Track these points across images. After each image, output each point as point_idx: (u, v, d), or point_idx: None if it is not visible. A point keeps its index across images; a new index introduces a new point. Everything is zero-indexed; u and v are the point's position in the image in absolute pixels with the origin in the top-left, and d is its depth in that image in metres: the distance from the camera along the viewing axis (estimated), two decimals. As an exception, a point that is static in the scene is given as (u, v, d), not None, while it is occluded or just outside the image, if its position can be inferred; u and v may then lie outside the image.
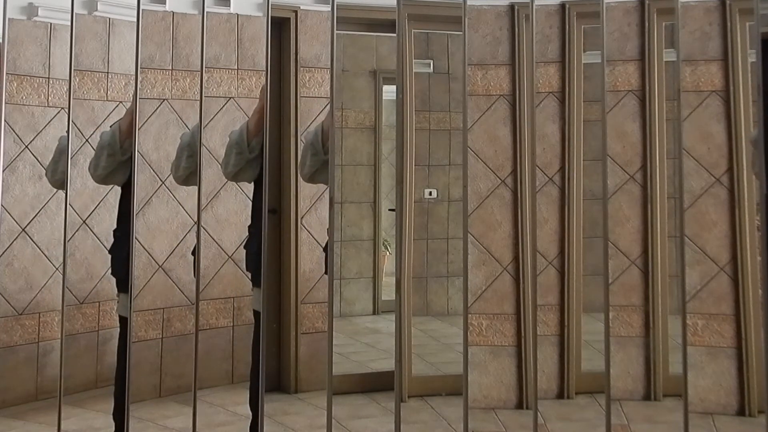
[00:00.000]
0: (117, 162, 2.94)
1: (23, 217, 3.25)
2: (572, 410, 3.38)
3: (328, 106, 3.00)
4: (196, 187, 2.95)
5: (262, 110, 2.89)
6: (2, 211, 3.15)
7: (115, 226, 3.03)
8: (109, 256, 3.02)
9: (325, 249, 3.18)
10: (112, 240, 3.02)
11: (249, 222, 2.99)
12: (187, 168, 3.00)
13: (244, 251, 3.06)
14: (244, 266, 3.06)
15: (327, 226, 3.09)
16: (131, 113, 2.96)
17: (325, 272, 3.11)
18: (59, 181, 3.04)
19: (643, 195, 3.46)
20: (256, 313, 2.97)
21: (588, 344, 3.46)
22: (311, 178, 3.03)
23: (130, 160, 2.92)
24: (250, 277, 3.00)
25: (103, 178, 2.99)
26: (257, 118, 2.90)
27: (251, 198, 3.02)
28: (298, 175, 3.43)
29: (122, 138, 2.93)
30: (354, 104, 3.89)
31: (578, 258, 3.49)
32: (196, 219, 3.00)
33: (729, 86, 3.34)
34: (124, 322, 2.94)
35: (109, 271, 3.01)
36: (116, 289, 2.97)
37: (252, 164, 2.91)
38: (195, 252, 2.99)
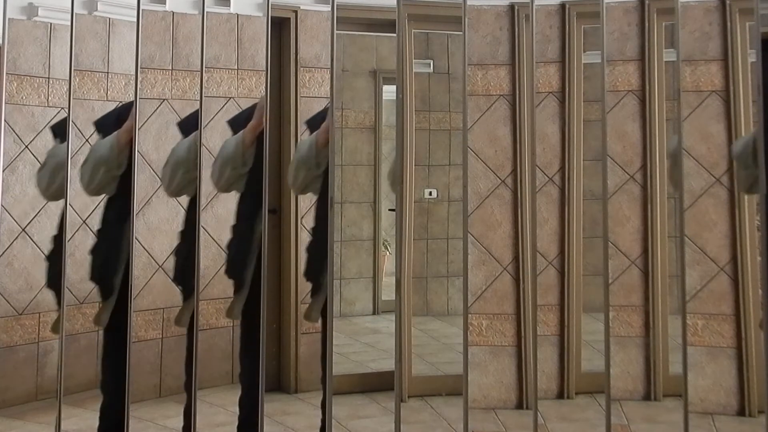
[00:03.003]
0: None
1: (23, 217, 3.25)
2: (572, 410, 3.38)
3: (329, 106, 3.00)
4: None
5: (257, 128, 2.91)
6: (2, 211, 3.15)
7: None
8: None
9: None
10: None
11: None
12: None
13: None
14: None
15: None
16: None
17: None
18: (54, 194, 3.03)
19: (643, 195, 3.46)
20: (245, 313, 2.98)
21: (588, 344, 3.46)
22: (303, 191, 3.08)
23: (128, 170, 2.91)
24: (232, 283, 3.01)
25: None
26: (253, 136, 2.92)
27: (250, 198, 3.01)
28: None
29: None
30: (354, 104, 3.89)
31: (578, 258, 3.49)
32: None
33: (729, 86, 3.34)
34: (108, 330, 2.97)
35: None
36: (101, 297, 3.01)
37: (244, 177, 2.95)
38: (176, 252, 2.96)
